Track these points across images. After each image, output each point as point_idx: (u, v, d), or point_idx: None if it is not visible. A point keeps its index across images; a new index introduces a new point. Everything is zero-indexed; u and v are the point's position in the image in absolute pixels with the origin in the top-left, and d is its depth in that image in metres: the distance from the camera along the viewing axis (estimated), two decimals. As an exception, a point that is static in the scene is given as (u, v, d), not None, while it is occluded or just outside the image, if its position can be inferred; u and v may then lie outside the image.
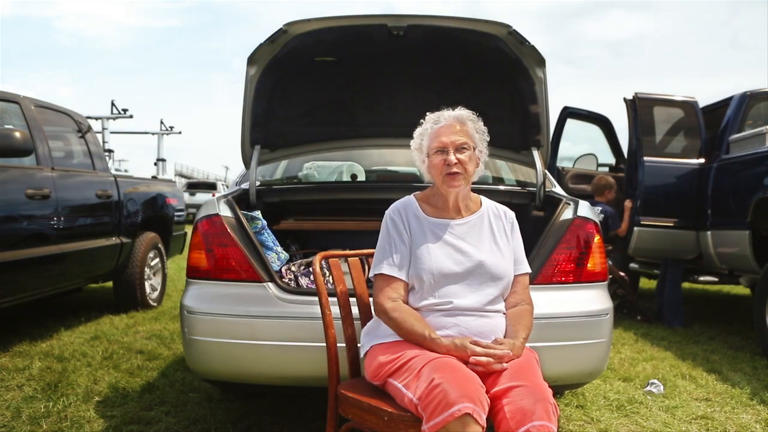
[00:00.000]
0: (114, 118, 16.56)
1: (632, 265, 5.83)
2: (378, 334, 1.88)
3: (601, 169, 6.63)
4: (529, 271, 2.02)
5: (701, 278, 5.16)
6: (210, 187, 23.39)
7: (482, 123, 1.98)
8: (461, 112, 1.95)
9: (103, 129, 16.02)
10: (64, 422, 2.62)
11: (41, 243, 3.88)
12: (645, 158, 5.08)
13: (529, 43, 2.59)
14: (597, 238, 2.44)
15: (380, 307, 1.86)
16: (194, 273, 2.40)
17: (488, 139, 1.98)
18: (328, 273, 2.51)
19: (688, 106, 5.24)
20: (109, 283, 5.22)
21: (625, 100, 5.39)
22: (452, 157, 1.86)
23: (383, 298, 1.85)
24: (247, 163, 3.03)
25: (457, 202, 1.95)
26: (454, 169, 1.87)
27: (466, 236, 1.92)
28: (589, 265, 2.40)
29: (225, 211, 2.44)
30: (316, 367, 2.11)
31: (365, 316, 2.03)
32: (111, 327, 4.48)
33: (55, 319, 4.68)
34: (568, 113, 6.43)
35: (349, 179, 4.05)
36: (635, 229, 5.07)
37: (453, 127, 1.90)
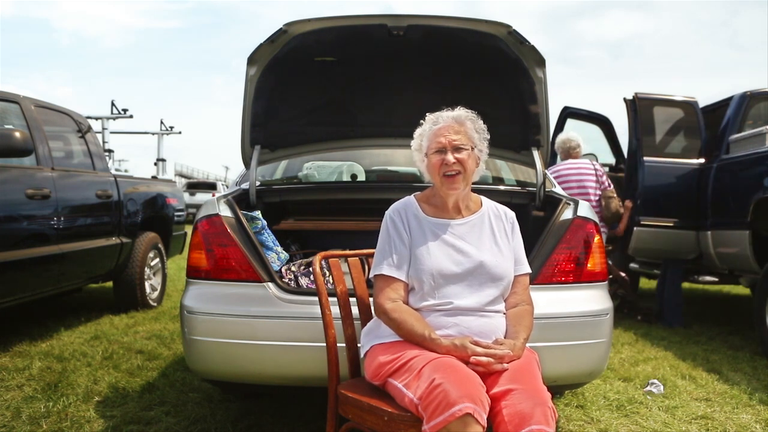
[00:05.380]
0: (114, 118, 16.55)
1: (632, 265, 5.84)
2: (378, 334, 1.88)
3: (600, 169, 6.64)
4: (530, 271, 2.02)
5: (701, 278, 5.16)
6: (210, 187, 23.39)
7: (482, 122, 1.98)
8: (460, 112, 1.95)
9: (103, 129, 16.02)
10: (64, 422, 2.62)
11: (41, 243, 3.88)
12: (645, 158, 5.08)
13: (529, 43, 2.59)
14: (597, 238, 2.44)
15: (380, 308, 1.86)
16: (194, 273, 2.40)
17: (488, 137, 1.98)
18: (328, 273, 2.51)
19: (688, 106, 5.24)
20: (109, 283, 5.22)
21: (625, 100, 5.39)
22: (450, 157, 1.87)
23: (383, 298, 1.85)
24: (247, 163, 3.03)
25: (457, 203, 1.95)
26: (453, 169, 1.87)
27: (466, 236, 1.92)
28: (589, 265, 2.40)
29: (225, 211, 2.44)
30: (316, 367, 2.11)
31: (365, 316, 2.03)
32: (111, 327, 4.48)
33: (55, 319, 4.68)
34: (568, 113, 6.43)
35: (349, 179, 4.05)
36: (635, 229, 5.07)
37: (451, 128, 1.90)
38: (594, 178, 4.93)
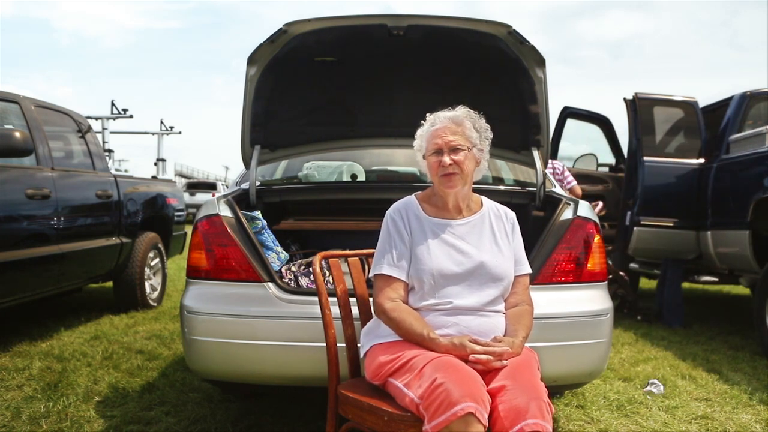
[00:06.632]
0: (114, 118, 16.56)
1: (632, 265, 5.84)
2: (378, 333, 1.88)
3: (601, 169, 6.64)
4: (530, 271, 2.02)
5: (701, 278, 5.16)
6: (210, 187, 23.40)
7: (484, 121, 1.97)
8: (458, 112, 1.94)
9: (103, 129, 16.03)
10: (64, 422, 2.62)
11: (41, 243, 3.88)
12: (645, 158, 5.08)
13: (529, 42, 2.59)
14: (597, 238, 2.44)
15: (380, 308, 1.86)
16: (194, 273, 2.40)
17: (491, 136, 1.97)
18: (328, 273, 2.51)
19: (688, 106, 5.25)
20: (109, 283, 5.22)
21: (625, 100, 5.39)
22: (446, 159, 1.87)
23: (383, 298, 1.86)
24: (247, 163, 3.03)
25: (457, 202, 1.95)
26: (449, 170, 1.87)
27: (466, 236, 1.92)
28: (589, 265, 2.40)
29: (225, 211, 2.44)
30: (316, 367, 2.11)
31: (365, 316, 2.03)
32: (111, 327, 4.48)
33: (55, 319, 4.68)
34: (568, 113, 6.44)
35: (349, 179, 4.05)
36: (635, 229, 5.07)
37: (448, 129, 1.90)
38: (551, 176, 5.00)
